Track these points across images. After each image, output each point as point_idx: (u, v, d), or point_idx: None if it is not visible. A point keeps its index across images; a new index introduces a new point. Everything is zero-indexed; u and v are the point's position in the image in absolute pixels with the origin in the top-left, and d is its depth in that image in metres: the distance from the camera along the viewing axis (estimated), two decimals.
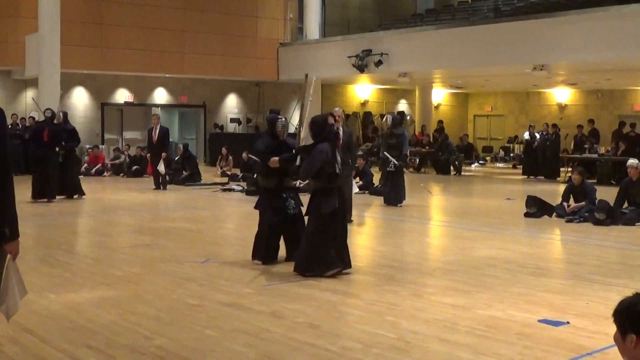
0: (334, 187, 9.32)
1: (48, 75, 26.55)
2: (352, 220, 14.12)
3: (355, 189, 15.62)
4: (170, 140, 26.53)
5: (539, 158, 27.96)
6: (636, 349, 3.14)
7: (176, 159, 24.89)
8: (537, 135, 28.35)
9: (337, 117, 14.49)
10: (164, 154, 20.77)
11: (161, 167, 20.78)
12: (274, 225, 10.06)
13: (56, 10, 26.40)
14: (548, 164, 27.53)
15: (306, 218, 9.66)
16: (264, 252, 10.02)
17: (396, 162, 16.86)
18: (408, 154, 19.07)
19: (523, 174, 28.39)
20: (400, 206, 17.01)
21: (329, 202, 9.20)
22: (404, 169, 17.53)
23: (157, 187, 20.93)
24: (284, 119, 10.37)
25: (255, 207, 10.28)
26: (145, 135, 29.59)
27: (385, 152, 17.16)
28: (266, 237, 10.05)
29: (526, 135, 29.19)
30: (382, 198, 18.04)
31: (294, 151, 9.93)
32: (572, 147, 29.59)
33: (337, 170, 9.35)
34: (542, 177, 27.20)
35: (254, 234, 10.39)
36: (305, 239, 9.39)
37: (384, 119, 19.52)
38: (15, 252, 4.82)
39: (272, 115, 10.52)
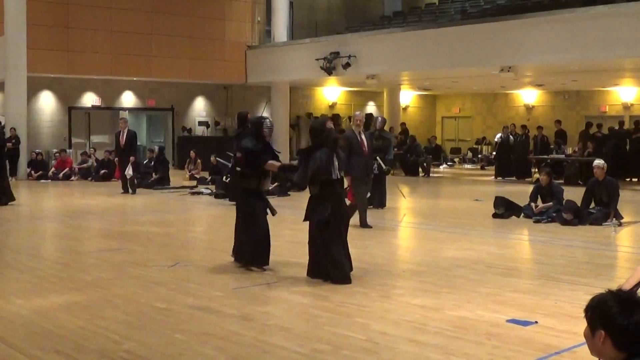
0: (328, 194, 9.20)
1: (14, 79, 26.39)
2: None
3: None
4: (139, 143, 26.44)
5: (511, 159, 28.15)
6: (604, 345, 3.18)
7: (145, 162, 24.78)
8: (512, 137, 28.52)
9: (357, 122, 14.30)
10: (132, 158, 20.68)
11: (129, 171, 20.68)
12: (267, 228, 10.07)
13: (22, 14, 26.22)
14: (518, 165, 27.71)
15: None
16: (267, 255, 9.97)
17: (384, 167, 16.36)
18: (392, 159, 18.73)
19: (496, 175, 28.46)
20: (382, 209, 16.86)
21: (320, 210, 9.14)
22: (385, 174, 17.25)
23: (125, 190, 20.83)
24: (269, 120, 10.33)
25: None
26: (113, 138, 29.49)
27: (376, 156, 16.50)
28: (265, 240, 9.99)
29: (497, 137, 29.33)
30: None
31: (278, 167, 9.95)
32: (531, 147, 29.72)
33: (335, 177, 9.24)
34: (514, 178, 27.36)
35: (223, 237, 10.38)
36: (321, 247, 9.22)
37: (375, 119, 19.27)
38: None
39: (259, 117, 10.55)
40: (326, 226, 9.13)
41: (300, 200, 19.55)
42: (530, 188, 16.98)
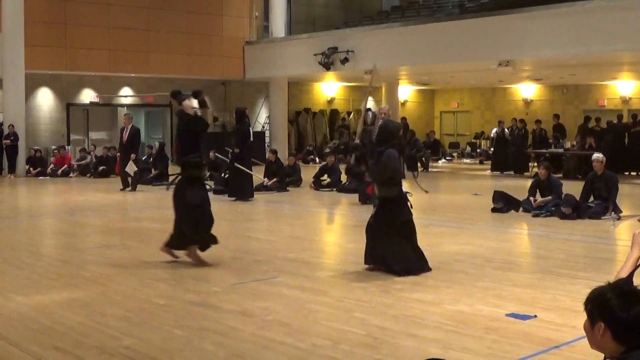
0: (402, 194, 9.53)
1: (12, 76, 26.36)
2: None
3: None
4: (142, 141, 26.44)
5: (509, 153, 28.17)
6: (603, 337, 3.18)
7: (144, 158, 24.76)
8: (507, 131, 28.53)
9: (383, 115, 14.44)
10: (133, 155, 20.59)
11: (130, 168, 20.65)
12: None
13: (19, 11, 26.19)
14: (517, 159, 27.71)
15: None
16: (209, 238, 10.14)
17: None
18: None
19: (492, 169, 28.52)
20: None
21: (404, 211, 9.45)
22: None
23: (125, 187, 20.76)
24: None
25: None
26: (111, 135, 29.47)
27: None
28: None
29: (494, 132, 29.34)
30: (350, 196, 18.05)
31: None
32: (530, 142, 29.74)
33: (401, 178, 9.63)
34: (512, 172, 27.37)
35: (221, 233, 10.38)
36: (398, 248, 9.33)
37: (367, 114, 19.29)
38: None
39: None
40: (407, 224, 9.42)
41: (298, 195, 19.63)
42: (528, 182, 16.99)
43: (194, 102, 10.51)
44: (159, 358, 5.93)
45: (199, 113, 10.45)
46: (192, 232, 9.90)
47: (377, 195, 9.67)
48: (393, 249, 9.26)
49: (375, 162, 9.44)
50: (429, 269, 9.30)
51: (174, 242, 10.01)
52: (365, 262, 9.52)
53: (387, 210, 9.41)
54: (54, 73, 29.48)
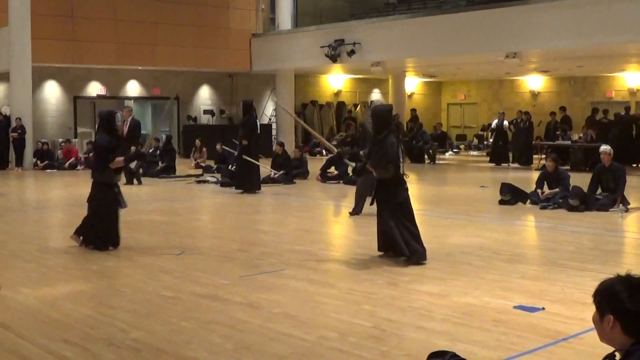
0: (402, 178, 9.71)
1: (19, 70, 26.38)
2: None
3: None
4: (144, 132, 26.39)
5: (508, 145, 28.16)
6: (613, 330, 3.17)
7: (150, 151, 24.76)
8: (506, 123, 28.46)
9: None
10: (132, 148, 20.38)
11: (133, 162, 20.46)
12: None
13: (26, 4, 26.19)
14: (521, 152, 27.67)
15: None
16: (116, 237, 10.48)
17: None
18: None
19: (491, 161, 28.47)
20: None
21: (400, 191, 9.59)
22: None
23: (128, 182, 20.44)
24: (120, 114, 10.88)
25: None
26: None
27: None
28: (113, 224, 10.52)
29: (494, 123, 29.29)
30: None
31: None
32: (544, 134, 29.73)
33: (401, 161, 9.75)
34: (512, 165, 27.33)
35: (229, 225, 10.40)
36: (389, 229, 9.51)
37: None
38: None
39: (109, 111, 10.93)
40: (401, 207, 9.54)
41: (305, 188, 19.63)
42: (535, 174, 16.96)
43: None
44: (166, 350, 5.94)
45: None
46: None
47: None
48: (387, 232, 9.52)
49: (377, 149, 9.49)
50: (421, 258, 9.41)
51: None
52: (379, 249, 9.82)
53: (383, 192, 9.60)
54: (61, 66, 29.50)
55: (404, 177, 9.79)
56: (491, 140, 30.66)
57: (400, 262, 9.46)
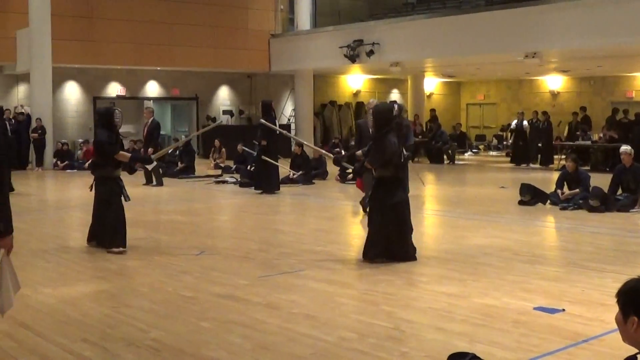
0: (401, 177, 9.76)
1: (39, 70, 26.50)
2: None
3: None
4: (163, 133, 26.43)
5: (528, 146, 28.04)
6: (637, 332, 3.14)
7: (170, 151, 24.79)
8: (526, 123, 28.38)
9: (369, 109, 14.56)
10: (150, 150, 20.44)
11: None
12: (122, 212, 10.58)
13: (46, 5, 26.32)
14: (541, 152, 27.56)
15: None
16: (124, 236, 10.39)
17: (405, 153, 16.47)
18: (413, 144, 18.76)
19: (511, 162, 28.37)
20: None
21: (398, 192, 9.60)
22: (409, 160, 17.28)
23: (147, 182, 20.52)
24: (118, 111, 10.79)
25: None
26: (138, 128, 29.55)
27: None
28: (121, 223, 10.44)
29: (513, 123, 29.16)
30: None
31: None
32: (565, 134, 29.59)
33: (402, 160, 9.78)
34: (537, 165, 27.22)
35: (248, 226, 10.40)
36: (380, 231, 9.55)
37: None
38: (9, 247, 4.81)
39: (107, 108, 11.09)
40: (394, 208, 9.52)
41: (324, 188, 19.62)
42: (555, 175, 16.89)
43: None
44: (185, 350, 5.94)
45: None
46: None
47: (373, 177, 9.94)
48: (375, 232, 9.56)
49: (375, 147, 9.55)
50: (410, 258, 9.50)
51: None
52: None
53: (381, 191, 9.57)
54: (81, 67, 29.62)
55: (422, 184, 9.79)
56: (511, 140, 30.42)
57: (419, 262, 9.44)
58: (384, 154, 9.44)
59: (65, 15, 27.81)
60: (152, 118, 20.89)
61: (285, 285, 8.21)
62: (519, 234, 11.95)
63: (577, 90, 37.16)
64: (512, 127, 29.54)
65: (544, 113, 28.76)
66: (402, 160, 9.87)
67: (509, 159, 30.33)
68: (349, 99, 38.09)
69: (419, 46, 27.48)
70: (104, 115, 10.74)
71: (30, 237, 11.79)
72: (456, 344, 5.96)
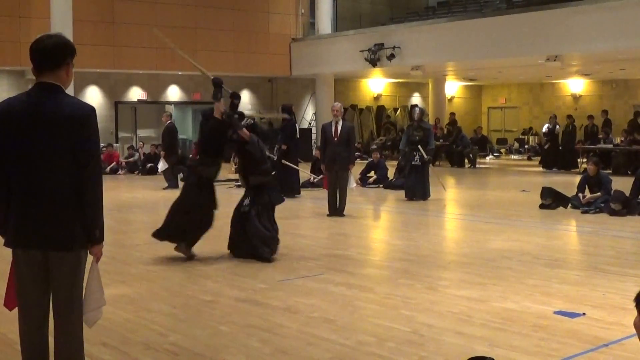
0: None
1: None
2: (344, 215, 14.57)
3: (352, 184, 15.57)
4: (183, 137, 26.47)
5: (560, 150, 27.85)
6: None
7: (190, 156, 24.83)
8: (558, 127, 28.18)
9: (335, 112, 14.87)
10: (162, 152, 20.41)
11: (160, 165, 20.59)
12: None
13: (68, 10, 26.46)
14: (564, 156, 27.39)
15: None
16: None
17: (425, 156, 16.51)
18: (434, 148, 18.67)
19: (543, 166, 28.06)
20: (425, 201, 16.82)
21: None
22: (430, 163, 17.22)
23: (170, 186, 20.51)
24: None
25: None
26: (159, 132, 29.63)
27: (419, 146, 16.71)
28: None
29: (545, 127, 28.87)
30: (396, 192, 17.95)
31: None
32: (582, 137, 29.40)
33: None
34: (555, 169, 27.05)
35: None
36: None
37: (413, 110, 19.14)
38: (99, 255, 4.71)
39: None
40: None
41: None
42: (577, 178, 16.81)
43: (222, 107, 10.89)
44: (204, 354, 5.95)
45: (225, 118, 10.86)
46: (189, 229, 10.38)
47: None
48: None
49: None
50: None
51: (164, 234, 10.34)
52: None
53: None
54: (103, 71, 29.77)
55: (443, 189, 9.79)
56: (546, 145, 29.54)
57: (439, 265, 9.42)
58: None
59: (87, 21, 27.95)
60: (168, 122, 20.93)
61: (305, 289, 8.21)
62: (539, 238, 11.89)
63: (598, 94, 36.98)
64: (544, 130, 29.19)
65: (569, 117, 28.58)
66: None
67: (530, 162, 30.11)
68: (370, 102, 38.08)
69: (440, 50, 27.44)
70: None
71: None
72: (476, 348, 5.95)
